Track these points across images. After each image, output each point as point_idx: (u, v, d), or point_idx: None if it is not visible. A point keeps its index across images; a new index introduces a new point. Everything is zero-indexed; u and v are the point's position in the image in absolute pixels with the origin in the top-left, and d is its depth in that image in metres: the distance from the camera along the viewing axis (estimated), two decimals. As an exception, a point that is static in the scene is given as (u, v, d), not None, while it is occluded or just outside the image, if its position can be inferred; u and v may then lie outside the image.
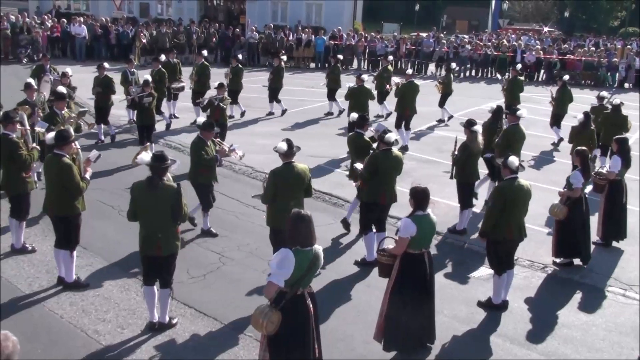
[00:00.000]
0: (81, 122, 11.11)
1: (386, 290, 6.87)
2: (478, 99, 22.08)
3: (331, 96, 19.72)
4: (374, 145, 9.54)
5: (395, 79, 17.45)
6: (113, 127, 15.79)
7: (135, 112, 14.44)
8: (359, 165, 9.15)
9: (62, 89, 11.40)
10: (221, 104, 13.48)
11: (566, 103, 16.89)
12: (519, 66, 20.04)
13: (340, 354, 6.91)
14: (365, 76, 15.98)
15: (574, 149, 11.80)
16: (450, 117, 19.40)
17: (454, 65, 22.53)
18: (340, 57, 21.77)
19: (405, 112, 15.95)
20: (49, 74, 14.96)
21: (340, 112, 19.48)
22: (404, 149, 15.15)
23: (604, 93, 15.77)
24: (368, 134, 10.05)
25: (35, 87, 12.01)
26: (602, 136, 13.39)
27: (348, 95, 15.51)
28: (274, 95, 19.27)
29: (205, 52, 18.96)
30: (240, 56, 20.21)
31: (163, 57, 17.77)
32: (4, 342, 3.37)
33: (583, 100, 18.97)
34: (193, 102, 17.38)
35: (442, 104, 19.30)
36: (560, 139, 16.64)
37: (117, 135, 15.75)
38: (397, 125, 15.81)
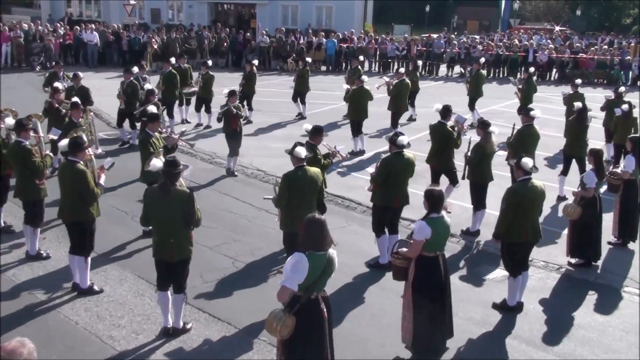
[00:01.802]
0: (180, 142, 10.47)
1: (405, 293, 6.83)
2: (490, 100, 21.93)
3: (296, 98, 19.27)
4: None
5: (386, 78, 17.48)
6: (126, 132, 15.73)
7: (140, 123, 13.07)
8: (371, 169, 9.14)
9: (153, 108, 10.52)
10: (239, 112, 13.20)
11: (531, 94, 17.90)
12: (482, 60, 21.62)
13: (355, 357, 6.89)
14: (365, 77, 16.03)
15: (618, 138, 13.39)
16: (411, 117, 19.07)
17: (420, 63, 24.07)
18: (309, 59, 21.01)
19: (401, 109, 16.39)
20: (63, 81, 15.05)
21: (299, 114, 19.25)
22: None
23: (579, 81, 17.04)
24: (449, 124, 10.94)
25: (82, 106, 11.49)
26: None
27: (349, 97, 15.51)
28: (248, 102, 18.30)
29: (173, 60, 17.71)
30: (210, 62, 19.08)
31: (135, 69, 16.10)
32: (19, 349, 3.37)
33: (595, 99, 18.75)
34: (168, 113, 16.35)
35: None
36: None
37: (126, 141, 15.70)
38: (394, 125, 16.17)
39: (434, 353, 6.88)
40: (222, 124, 13.49)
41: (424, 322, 6.65)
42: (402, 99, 16.43)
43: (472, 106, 18.78)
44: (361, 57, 22.89)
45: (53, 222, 9.86)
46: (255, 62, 19.75)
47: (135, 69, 16.07)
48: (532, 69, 20.96)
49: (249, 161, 14.23)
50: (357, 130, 15.26)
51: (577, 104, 12.74)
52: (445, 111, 11.05)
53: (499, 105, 19.86)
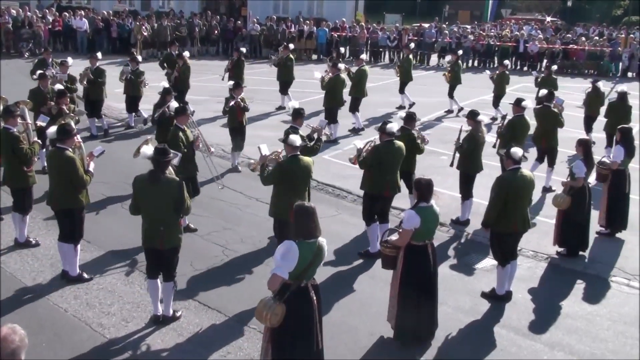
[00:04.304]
0: (325, 133, 9.91)
1: (392, 281, 6.88)
2: (481, 90, 21.99)
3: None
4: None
5: (345, 65, 17.73)
6: (109, 119, 15.50)
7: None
8: (359, 143, 9.13)
9: (295, 104, 9.86)
10: (246, 105, 12.93)
11: (459, 76, 19.36)
12: (412, 45, 23.36)
13: (345, 345, 6.92)
14: (342, 65, 16.26)
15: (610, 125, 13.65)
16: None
17: (342, 50, 25.27)
18: (243, 50, 20.32)
19: (362, 95, 16.82)
20: (52, 68, 14.87)
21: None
22: (360, 130, 16.43)
23: (534, 73, 19.34)
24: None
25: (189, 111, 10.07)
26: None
27: (326, 85, 15.66)
28: (181, 98, 16.73)
29: (99, 55, 15.93)
30: (140, 58, 17.33)
31: (70, 61, 14.83)
32: (11, 336, 3.36)
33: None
34: (89, 114, 14.79)
35: None
36: (460, 109, 18.55)
37: (113, 129, 15.65)
38: (352, 110, 16.62)
39: (416, 342, 6.92)
40: (227, 118, 13.13)
41: (409, 311, 6.70)
42: (362, 85, 16.81)
43: (402, 90, 19.67)
44: (291, 45, 21.14)
45: (42, 209, 9.81)
46: (187, 53, 17.82)
47: (70, 61, 14.78)
48: (412, 45, 22.97)
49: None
50: (332, 118, 15.40)
51: (621, 88, 13.86)
52: (550, 95, 12.36)
53: (489, 95, 19.89)
